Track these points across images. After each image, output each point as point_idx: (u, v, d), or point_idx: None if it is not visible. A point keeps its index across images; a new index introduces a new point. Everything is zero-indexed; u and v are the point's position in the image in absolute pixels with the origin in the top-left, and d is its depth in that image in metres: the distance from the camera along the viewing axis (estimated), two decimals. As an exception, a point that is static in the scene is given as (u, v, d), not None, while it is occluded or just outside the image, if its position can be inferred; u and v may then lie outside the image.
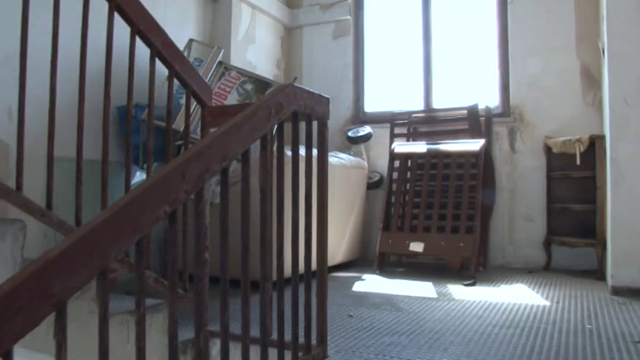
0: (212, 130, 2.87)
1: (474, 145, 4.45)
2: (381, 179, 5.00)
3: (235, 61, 4.70)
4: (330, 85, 5.37)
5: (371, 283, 3.97)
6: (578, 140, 4.11)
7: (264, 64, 5.19)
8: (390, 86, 5.40)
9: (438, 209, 4.39)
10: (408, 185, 4.67)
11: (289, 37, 5.62)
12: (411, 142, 4.93)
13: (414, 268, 4.57)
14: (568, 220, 4.34)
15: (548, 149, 4.45)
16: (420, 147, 4.72)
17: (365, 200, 4.86)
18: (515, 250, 4.64)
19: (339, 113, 5.34)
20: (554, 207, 4.39)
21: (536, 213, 4.56)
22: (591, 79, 4.43)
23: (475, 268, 4.04)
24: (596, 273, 4.02)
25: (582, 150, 4.08)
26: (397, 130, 5.04)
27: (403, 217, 4.56)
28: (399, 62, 5.37)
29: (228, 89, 3.98)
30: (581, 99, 4.46)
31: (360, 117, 5.38)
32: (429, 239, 4.28)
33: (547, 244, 4.45)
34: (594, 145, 4.05)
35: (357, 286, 3.84)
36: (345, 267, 4.57)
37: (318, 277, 2.05)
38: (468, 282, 3.86)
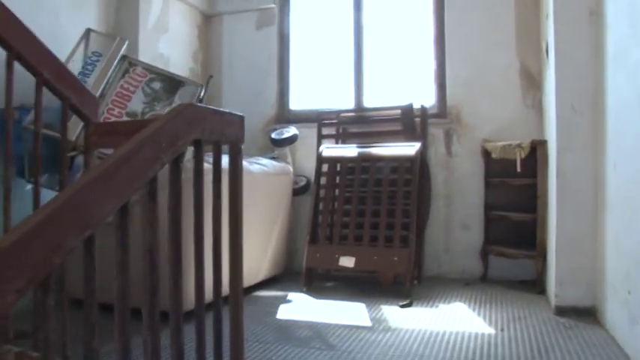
0: (99, 152, 2.37)
1: (409, 149, 4.11)
2: (308, 184, 4.60)
3: (145, 53, 4.15)
4: (253, 80, 4.90)
5: (298, 306, 3.57)
6: (519, 145, 3.84)
7: (179, 56, 4.65)
8: (318, 83, 4.98)
9: (370, 218, 4.04)
10: (337, 191, 4.29)
11: (208, 26, 5.09)
12: (340, 145, 4.54)
13: (343, 283, 4.20)
14: (506, 229, 4.10)
15: (486, 153, 4.17)
16: (350, 150, 4.34)
17: (290, 208, 4.44)
18: (451, 259, 4.36)
19: (262, 111, 4.88)
20: (492, 215, 4.13)
21: (473, 221, 4.29)
22: (531, 80, 4.18)
23: (410, 283, 3.72)
24: (534, 285, 3.79)
25: (523, 156, 3.82)
26: (325, 131, 4.63)
27: (332, 226, 4.18)
28: (328, 57, 4.96)
29: (132, 89, 3.44)
30: (520, 100, 4.21)
31: (285, 115, 4.94)
32: (361, 253, 3.92)
33: (484, 254, 4.19)
34: (535, 151, 3.80)
35: (282, 311, 3.42)
36: (269, 284, 4.15)
37: (232, 335, 1.64)
38: (404, 303, 3.52)
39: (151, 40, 4.27)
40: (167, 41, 4.46)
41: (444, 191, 4.39)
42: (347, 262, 3.95)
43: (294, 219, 4.63)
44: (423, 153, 4.22)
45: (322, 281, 4.23)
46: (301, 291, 3.95)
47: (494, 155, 4.04)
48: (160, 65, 4.33)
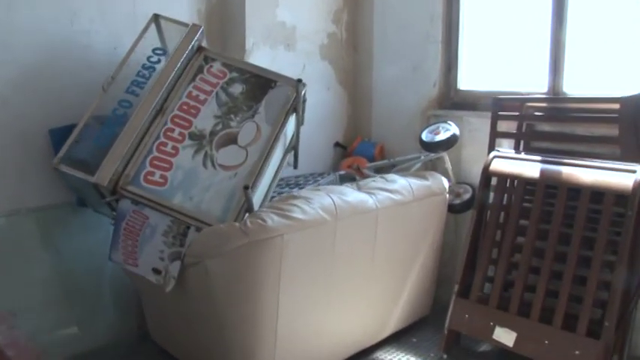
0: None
1: (625, 177, 2.63)
2: (474, 197, 3.35)
3: (256, 26, 3.23)
4: (410, 48, 3.67)
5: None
6: None
7: (311, 21, 3.56)
8: (495, 54, 3.51)
9: (549, 271, 2.74)
10: (508, 217, 2.99)
11: (354, -25, 3.87)
12: (517, 156, 3.08)
13: (500, 351, 2.99)
14: None
15: None
16: (530, 167, 2.96)
17: (443, 231, 3.28)
18: (680, 340, 2.86)
19: (421, 90, 3.65)
20: None
21: None
22: None
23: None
24: None
25: None
26: (502, 126, 3.25)
27: (496, 265, 2.95)
28: (511, 17, 3.42)
29: (203, 96, 2.53)
30: None
31: (451, 97, 3.62)
32: (526, 328, 2.69)
33: None
34: None
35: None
36: (400, 338, 3.12)
37: None
38: None
39: (265, 6, 3.27)
40: (289, 5, 3.39)
41: (678, 239, 2.82)
42: (504, 336, 2.76)
43: (455, 237, 3.49)
44: (648, 178, 2.69)
45: (472, 342, 3.09)
46: (439, 359, 2.91)
47: None
48: (281, 38, 3.39)
